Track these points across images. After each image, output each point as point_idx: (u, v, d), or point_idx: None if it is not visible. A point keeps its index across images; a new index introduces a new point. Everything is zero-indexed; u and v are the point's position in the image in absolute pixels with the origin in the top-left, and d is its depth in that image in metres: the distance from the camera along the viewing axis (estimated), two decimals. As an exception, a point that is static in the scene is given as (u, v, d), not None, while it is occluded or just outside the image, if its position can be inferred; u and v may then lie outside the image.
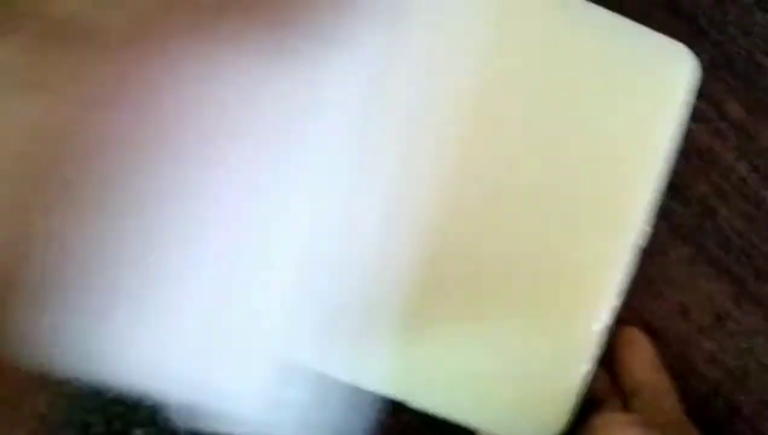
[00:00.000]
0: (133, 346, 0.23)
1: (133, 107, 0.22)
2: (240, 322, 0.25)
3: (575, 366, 0.28)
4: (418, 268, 0.28)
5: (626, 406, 0.30)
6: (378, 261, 0.27)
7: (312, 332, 0.27)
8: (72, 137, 0.21)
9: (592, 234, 0.29)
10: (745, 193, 0.33)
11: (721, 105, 0.33)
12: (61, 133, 0.21)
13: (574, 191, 0.29)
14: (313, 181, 0.26)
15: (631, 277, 0.32)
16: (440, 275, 0.28)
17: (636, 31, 0.30)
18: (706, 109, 0.33)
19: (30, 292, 0.22)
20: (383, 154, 0.27)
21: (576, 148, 0.29)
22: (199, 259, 0.24)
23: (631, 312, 0.33)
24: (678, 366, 0.33)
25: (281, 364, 0.26)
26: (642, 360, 0.30)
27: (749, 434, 0.33)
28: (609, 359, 0.31)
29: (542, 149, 0.29)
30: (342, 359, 0.29)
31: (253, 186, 0.24)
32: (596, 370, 0.29)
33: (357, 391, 0.29)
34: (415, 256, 0.28)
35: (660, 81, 0.29)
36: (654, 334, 0.33)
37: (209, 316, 0.24)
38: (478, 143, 0.28)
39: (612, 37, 0.29)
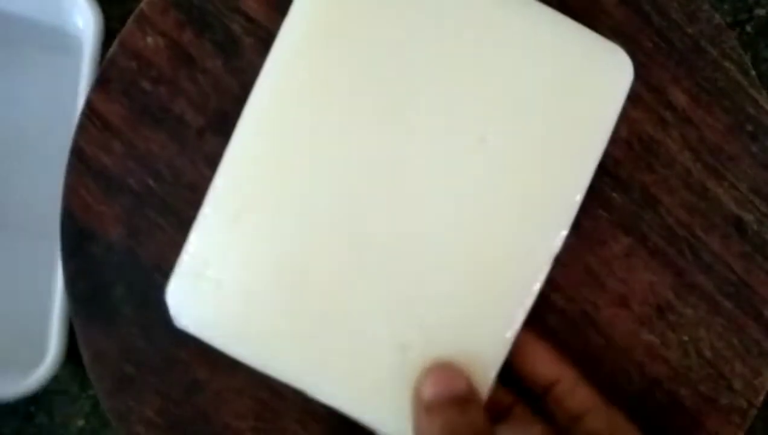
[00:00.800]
0: None
1: None
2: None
3: (485, 371, 0.28)
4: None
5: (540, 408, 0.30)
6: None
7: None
8: None
9: (514, 238, 0.28)
10: (689, 183, 0.33)
11: (664, 93, 0.33)
12: None
13: (499, 187, 0.28)
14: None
15: (570, 268, 0.32)
16: (362, 268, 0.28)
17: (572, 31, 0.29)
18: (649, 97, 0.33)
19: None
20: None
21: (505, 146, 0.28)
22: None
23: (572, 303, 0.32)
24: (619, 358, 0.32)
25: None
26: (543, 358, 0.30)
27: (690, 428, 0.33)
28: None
29: (473, 145, 0.28)
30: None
31: None
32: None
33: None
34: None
35: (592, 83, 0.28)
36: (594, 325, 0.33)
37: None
38: (408, 135, 0.28)
39: (545, 37, 0.28)
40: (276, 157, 0.28)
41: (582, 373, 0.30)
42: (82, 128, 0.32)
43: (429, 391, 0.27)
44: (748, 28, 0.40)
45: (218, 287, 0.28)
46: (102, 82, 0.32)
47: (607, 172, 0.32)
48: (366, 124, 0.28)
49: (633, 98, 0.32)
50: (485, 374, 0.28)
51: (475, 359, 0.28)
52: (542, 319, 0.32)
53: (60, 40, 0.37)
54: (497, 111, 0.28)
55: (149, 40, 0.32)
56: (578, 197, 0.28)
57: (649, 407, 0.33)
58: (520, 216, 0.28)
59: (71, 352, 0.37)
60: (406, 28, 0.28)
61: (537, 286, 0.28)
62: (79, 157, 0.32)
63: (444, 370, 0.28)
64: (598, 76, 0.28)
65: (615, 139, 0.32)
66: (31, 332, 0.35)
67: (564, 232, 0.28)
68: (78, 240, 0.32)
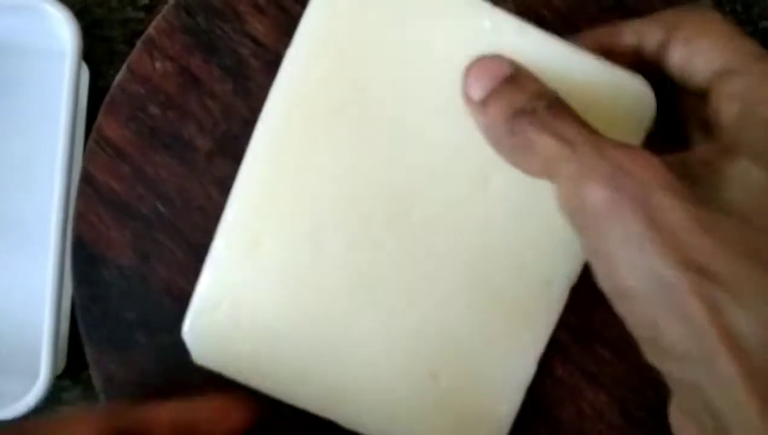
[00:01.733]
0: None
1: None
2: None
3: (513, 390, 0.28)
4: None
5: None
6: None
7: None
8: None
9: (536, 262, 0.28)
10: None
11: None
12: None
13: (510, 229, 0.28)
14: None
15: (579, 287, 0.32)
16: (382, 297, 0.28)
17: (594, 66, 0.27)
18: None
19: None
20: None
21: (514, 184, 0.28)
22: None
23: (582, 322, 0.32)
24: (630, 375, 0.32)
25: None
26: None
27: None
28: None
29: (479, 183, 0.28)
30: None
31: None
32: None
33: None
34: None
35: (610, 116, 0.27)
36: (606, 342, 0.33)
37: None
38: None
39: (569, 73, 0.27)
40: (284, 187, 0.28)
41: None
42: (91, 154, 0.32)
43: (475, 89, 0.26)
44: (753, 41, 0.40)
45: (236, 322, 0.28)
46: (111, 107, 0.32)
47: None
48: (374, 152, 0.28)
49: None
50: (515, 391, 0.28)
51: (502, 382, 0.28)
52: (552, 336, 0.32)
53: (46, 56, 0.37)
54: None
55: (157, 65, 0.32)
56: None
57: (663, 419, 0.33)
58: (539, 246, 0.28)
59: (82, 376, 0.37)
60: (417, 56, 0.27)
61: (556, 314, 0.28)
62: (88, 183, 0.32)
63: (481, 62, 0.26)
64: (617, 109, 0.27)
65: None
66: (24, 351, 0.35)
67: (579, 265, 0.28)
68: (89, 266, 0.32)
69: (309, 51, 0.27)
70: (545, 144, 0.24)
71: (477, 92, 0.26)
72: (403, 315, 0.28)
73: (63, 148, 0.33)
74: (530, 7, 0.33)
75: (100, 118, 0.32)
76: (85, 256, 0.32)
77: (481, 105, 0.26)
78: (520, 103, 0.25)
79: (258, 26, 0.32)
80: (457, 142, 0.28)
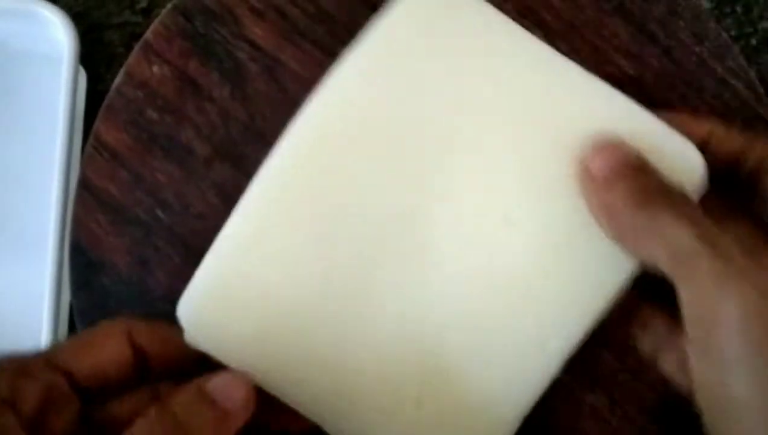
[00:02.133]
0: None
1: None
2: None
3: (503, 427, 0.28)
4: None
5: None
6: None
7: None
8: None
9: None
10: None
11: (673, 113, 0.33)
12: None
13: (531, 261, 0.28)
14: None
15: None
16: (376, 316, 0.28)
17: (647, 125, 0.27)
18: (657, 117, 0.33)
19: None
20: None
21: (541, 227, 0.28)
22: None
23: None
24: (630, 377, 0.32)
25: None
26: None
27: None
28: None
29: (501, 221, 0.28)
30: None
31: None
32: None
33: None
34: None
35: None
36: (606, 344, 0.33)
37: None
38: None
39: (617, 124, 0.27)
40: (300, 194, 0.27)
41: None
42: (89, 159, 0.32)
43: (600, 166, 0.25)
44: (753, 41, 0.40)
45: (232, 306, 0.27)
46: (109, 111, 0.32)
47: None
48: (397, 183, 0.27)
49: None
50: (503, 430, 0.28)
51: (491, 416, 0.27)
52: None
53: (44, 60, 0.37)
54: (536, 191, 0.27)
55: (155, 69, 0.32)
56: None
57: (671, 424, 0.33)
58: (538, 309, 0.27)
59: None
60: (459, 92, 0.27)
61: (547, 378, 0.27)
62: (86, 188, 0.32)
63: (611, 144, 0.25)
64: (666, 172, 0.26)
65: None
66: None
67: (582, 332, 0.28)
68: (87, 272, 0.32)
69: (363, 71, 0.27)
70: (680, 232, 0.23)
71: (602, 169, 0.25)
72: (394, 336, 0.27)
73: (60, 153, 0.33)
74: (530, 9, 0.33)
75: (98, 122, 0.32)
76: (83, 262, 0.32)
77: (605, 182, 0.25)
78: (653, 185, 0.24)
79: (256, 30, 0.32)
80: (486, 183, 0.27)
